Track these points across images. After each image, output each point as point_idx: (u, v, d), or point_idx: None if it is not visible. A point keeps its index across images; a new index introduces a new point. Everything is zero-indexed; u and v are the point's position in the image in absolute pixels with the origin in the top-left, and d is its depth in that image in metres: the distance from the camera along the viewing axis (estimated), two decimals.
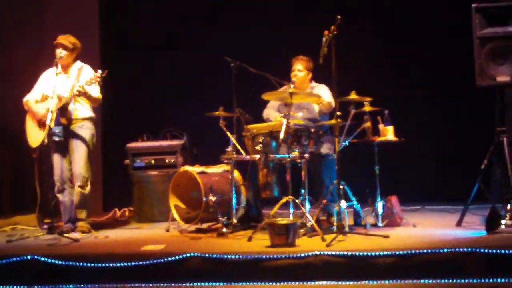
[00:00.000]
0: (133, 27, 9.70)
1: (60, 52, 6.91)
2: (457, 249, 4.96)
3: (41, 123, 6.89)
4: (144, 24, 9.65)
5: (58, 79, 6.83)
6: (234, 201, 6.57)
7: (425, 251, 4.99)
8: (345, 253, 5.05)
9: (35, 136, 6.98)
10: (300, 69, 7.16)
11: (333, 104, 6.87)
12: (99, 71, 6.58)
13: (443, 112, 8.81)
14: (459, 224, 6.33)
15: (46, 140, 6.55)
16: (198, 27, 9.46)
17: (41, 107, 6.94)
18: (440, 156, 8.80)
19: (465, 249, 4.95)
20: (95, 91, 6.92)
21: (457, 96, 8.71)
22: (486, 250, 4.90)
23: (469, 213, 6.46)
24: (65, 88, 6.87)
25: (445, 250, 4.97)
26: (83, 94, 6.76)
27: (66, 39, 6.97)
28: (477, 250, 4.92)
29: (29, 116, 7.10)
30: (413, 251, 4.98)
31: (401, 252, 4.98)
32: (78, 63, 7.11)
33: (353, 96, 6.29)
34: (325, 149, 6.77)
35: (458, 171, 8.47)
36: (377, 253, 5.00)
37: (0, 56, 9.04)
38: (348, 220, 6.28)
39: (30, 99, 7.11)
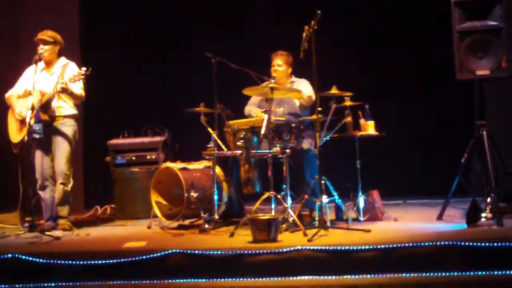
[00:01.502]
0: (113, 25, 9.64)
1: (41, 49, 6.88)
2: (438, 243, 4.99)
3: (22, 119, 6.85)
4: (125, 22, 9.60)
5: (40, 76, 6.80)
6: (216, 197, 6.56)
7: (406, 245, 5.01)
8: (327, 247, 5.07)
9: (16, 132, 6.94)
10: (280, 64, 7.17)
11: (314, 98, 6.89)
12: (83, 69, 6.54)
13: (424, 106, 8.82)
14: (440, 217, 6.36)
15: (26, 138, 6.52)
16: (178, 24, 9.44)
17: (23, 103, 6.90)
18: (421, 150, 8.84)
19: (446, 243, 4.98)
20: (78, 88, 6.87)
21: (437, 90, 8.74)
22: (466, 243, 4.94)
23: (449, 207, 6.49)
24: (47, 84, 6.83)
25: (426, 244, 5.00)
26: (66, 91, 6.72)
27: (45, 34, 6.93)
28: (458, 243, 4.95)
29: (11, 112, 7.05)
30: (395, 245, 5.01)
31: (383, 246, 5.01)
32: (63, 60, 7.07)
33: (333, 91, 6.32)
34: (306, 144, 6.78)
35: (439, 165, 8.51)
36: (359, 248, 5.02)
37: None
38: (330, 215, 6.33)
39: (13, 94, 7.06)
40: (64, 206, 6.92)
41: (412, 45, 8.83)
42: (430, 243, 5.00)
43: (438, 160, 8.66)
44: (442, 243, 4.98)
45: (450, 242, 4.97)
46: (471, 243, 4.93)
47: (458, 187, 6.35)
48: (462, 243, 4.94)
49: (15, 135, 6.95)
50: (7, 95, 7.09)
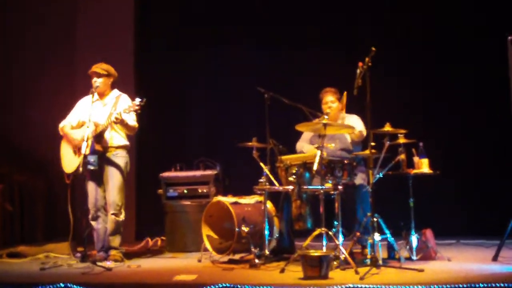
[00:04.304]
0: (167, 58, 9.79)
1: (95, 81, 7.00)
2: (493, 284, 4.88)
3: (77, 149, 6.96)
4: (179, 55, 9.73)
5: (94, 107, 6.90)
6: (266, 232, 6.54)
7: (460, 285, 4.91)
8: (379, 286, 4.99)
9: (69, 162, 7.05)
10: (332, 100, 7.18)
11: (364, 133, 6.88)
12: (138, 100, 6.62)
13: (479, 145, 8.71)
14: (495, 258, 6.23)
15: (81, 169, 6.60)
16: (232, 58, 9.53)
17: (76, 133, 7.02)
18: (475, 189, 8.69)
19: (502, 284, 4.86)
20: (132, 120, 6.96)
21: (493, 128, 8.62)
22: None
23: (505, 248, 6.36)
24: (101, 115, 6.93)
25: (481, 285, 4.89)
26: (120, 122, 6.81)
27: (99, 67, 7.06)
28: None
29: (65, 142, 7.17)
30: (448, 286, 4.91)
31: (436, 287, 4.91)
32: (116, 92, 7.18)
33: (387, 128, 6.27)
34: (358, 180, 6.73)
35: (494, 205, 8.36)
36: (412, 287, 4.93)
37: (33, 82, 9.19)
38: (382, 253, 6.21)
39: (66, 125, 7.19)
40: (116, 237, 6.99)
41: (467, 83, 8.76)
42: (485, 285, 4.88)
43: (492, 199, 8.50)
44: (498, 284, 4.87)
45: (506, 284, 4.86)
46: None
47: None
48: None
49: (68, 165, 7.05)
50: (60, 125, 7.21)
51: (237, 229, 6.61)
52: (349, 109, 7.27)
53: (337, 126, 6.74)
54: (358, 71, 6.08)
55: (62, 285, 5.39)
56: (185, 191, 8.19)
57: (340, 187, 6.19)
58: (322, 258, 5.46)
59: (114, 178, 6.99)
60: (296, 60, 9.36)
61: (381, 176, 6.39)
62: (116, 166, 7.00)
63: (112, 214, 6.94)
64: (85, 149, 6.55)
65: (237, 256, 6.92)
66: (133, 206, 9.44)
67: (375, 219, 6.03)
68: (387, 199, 7.19)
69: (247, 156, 6.88)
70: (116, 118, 6.73)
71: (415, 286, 4.93)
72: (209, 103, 9.63)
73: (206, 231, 7.00)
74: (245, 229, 6.60)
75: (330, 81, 7.36)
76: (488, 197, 8.59)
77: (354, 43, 8.28)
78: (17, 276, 6.16)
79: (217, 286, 5.19)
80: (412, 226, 6.58)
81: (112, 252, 6.94)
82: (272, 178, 6.73)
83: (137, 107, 6.64)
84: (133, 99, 6.74)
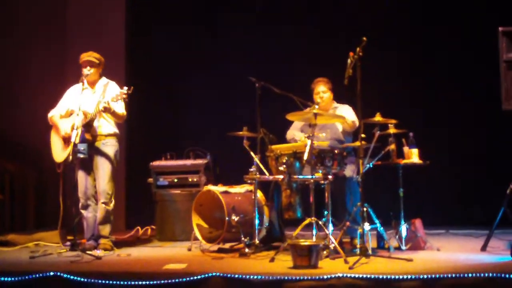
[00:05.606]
0: (159, 45, 9.75)
1: (88, 70, 6.95)
2: (481, 274, 4.90)
3: (66, 139, 6.92)
4: (170, 43, 9.69)
5: (84, 95, 6.86)
6: (256, 221, 6.54)
7: (449, 275, 4.92)
8: (368, 276, 4.99)
9: (59, 152, 7.02)
10: (324, 90, 7.17)
11: (357, 123, 6.87)
12: (125, 88, 6.61)
13: (469, 135, 8.72)
14: (483, 248, 6.25)
15: (70, 157, 6.59)
16: (223, 47, 9.51)
17: (66, 122, 6.99)
18: (465, 179, 8.71)
19: (490, 274, 4.88)
20: (120, 108, 6.94)
21: (484, 119, 8.64)
22: (511, 276, 4.83)
23: (494, 238, 6.40)
24: (91, 104, 6.90)
25: (470, 275, 4.90)
26: (108, 110, 6.79)
27: (91, 56, 7.01)
28: (502, 275, 4.85)
29: (54, 131, 7.14)
30: (437, 276, 4.92)
31: (425, 276, 4.92)
32: (104, 79, 7.15)
33: (377, 118, 6.27)
34: (348, 171, 6.73)
35: (483, 195, 8.38)
36: (401, 277, 4.94)
37: (22, 70, 9.12)
38: (371, 243, 6.22)
39: (55, 114, 7.15)
40: (106, 225, 6.98)
41: (458, 73, 8.77)
42: (474, 275, 4.90)
43: (482, 190, 8.52)
44: (486, 274, 4.89)
45: (494, 274, 4.88)
46: None
47: (503, 218, 6.25)
48: (507, 275, 4.84)
49: (59, 154, 7.02)
50: (49, 115, 7.17)
51: (227, 218, 6.61)
52: (340, 99, 7.28)
53: (328, 116, 6.74)
54: (349, 61, 6.07)
55: (51, 273, 5.38)
56: (175, 180, 8.18)
57: (330, 176, 6.19)
58: (311, 247, 5.47)
59: (104, 166, 6.98)
60: (288, 49, 9.35)
61: (371, 166, 6.41)
62: (106, 154, 6.98)
63: (102, 203, 6.93)
64: (75, 138, 6.53)
65: (227, 245, 6.93)
66: (123, 195, 9.43)
67: (364, 209, 6.04)
68: (377, 189, 7.23)
69: (237, 145, 6.87)
70: (104, 107, 6.71)
71: (404, 276, 4.95)
72: (200, 92, 9.59)
73: (196, 220, 7.00)
74: (235, 218, 6.61)
75: (322, 71, 7.35)
76: (478, 188, 8.62)
77: (347, 33, 8.24)
78: (6, 264, 6.13)
79: (207, 275, 5.19)
80: (402, 216, 6.59)
81: (102, 241, 6.94)
82: (262, 168, 6.73)
83: (124, 96, 6.62)
84: (123, 87, 6.71)
